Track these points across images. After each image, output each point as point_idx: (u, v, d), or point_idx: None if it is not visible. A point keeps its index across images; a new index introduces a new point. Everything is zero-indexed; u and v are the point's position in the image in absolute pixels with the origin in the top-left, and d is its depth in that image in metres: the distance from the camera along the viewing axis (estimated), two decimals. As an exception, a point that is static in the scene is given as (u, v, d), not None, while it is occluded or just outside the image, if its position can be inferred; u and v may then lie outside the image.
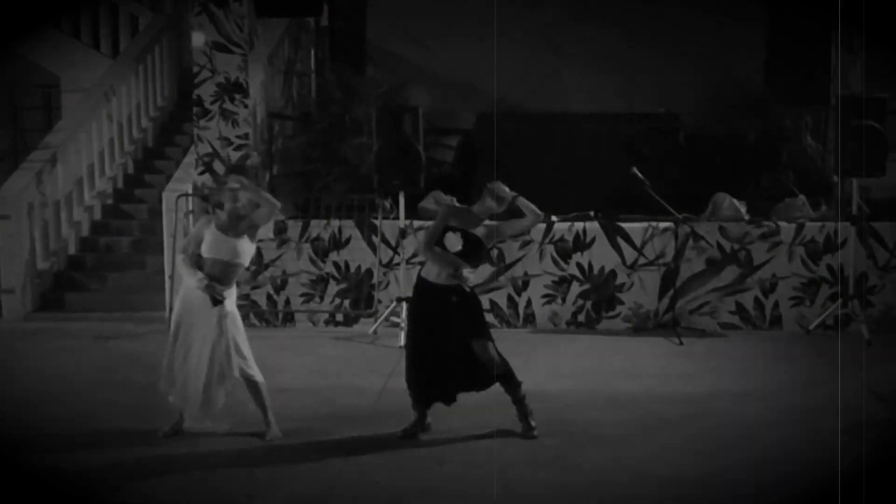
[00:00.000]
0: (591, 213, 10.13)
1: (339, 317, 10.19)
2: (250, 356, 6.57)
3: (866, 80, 11.48)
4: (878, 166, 9.47)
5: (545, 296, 10.03)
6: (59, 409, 7.20)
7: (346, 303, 10.17)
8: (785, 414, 7.10)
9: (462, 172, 11.16)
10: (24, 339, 9.62)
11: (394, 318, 9.63)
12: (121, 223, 12.05)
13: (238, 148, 10.25)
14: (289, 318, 10.22)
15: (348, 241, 10.11)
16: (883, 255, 9.82)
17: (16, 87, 14.72)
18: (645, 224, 9.96)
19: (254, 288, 10.12)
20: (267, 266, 10.12)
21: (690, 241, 9.87)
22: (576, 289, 10.01)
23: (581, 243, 9.97)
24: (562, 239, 9.98)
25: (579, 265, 9.99)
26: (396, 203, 10.02)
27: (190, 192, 10.32)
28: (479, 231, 6.53)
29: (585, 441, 6.50)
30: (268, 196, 6.75)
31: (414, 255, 9.90)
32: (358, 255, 10.11)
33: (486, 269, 9.72)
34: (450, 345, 6.47)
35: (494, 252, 9.79)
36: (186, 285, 6.51)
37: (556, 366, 8.48)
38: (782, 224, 9.96)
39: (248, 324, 9.51)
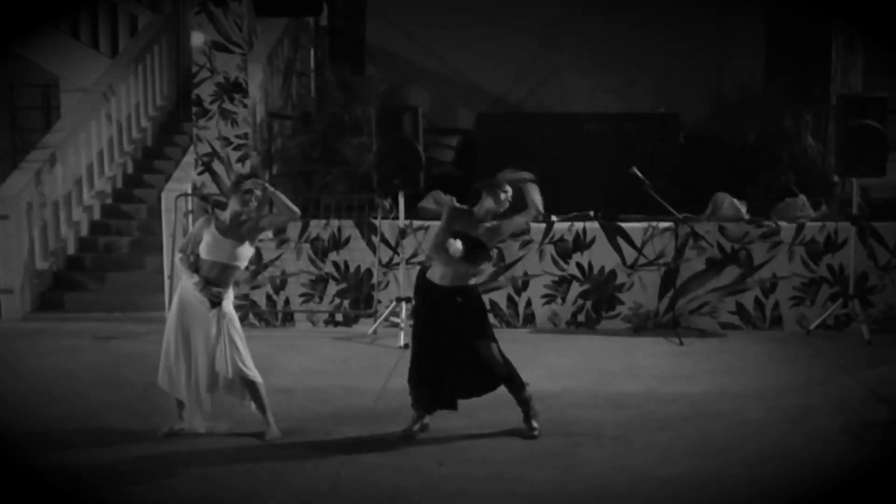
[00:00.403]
0: (591, 213, 10.13)
1: (339, 317, 10.17)
2: (248, 357, 6.55)
3: (866, 80, 11.50)
4: (878, 166, 9.48)
5: (545, 296, 10.02)
6: (58, 409, 7.19)
7: (346, 303, 10.15)
8: (785, 414, 7.09)
9: (462, 172, 11.15)
10: (24, 339, 9.59)
11: (393, 319, 9.62)
12: (120, 223, 12.05)
13: (237, 148, 10.24)
14: (288, 318, 10.21)
15: (348, 240, 10.10)
16: (883, 255, 9.81)
17: (15, 86, 14.71)
18: (645, 224, 9.95)
19: (253, 288, 10.10)
20: (266, 266, 10.11)
21: (690, 241, 9.86)
22: (576, 289, 10.00)
23: (581, 243, 9.96)
24: (562, 239, 9.97)
25: (579, 265, 9.98)
26: (396, 203, 10.01)
27: (189, 191, 10.31)
28: (480, 232, 6.53)
29: (585, 441, 6.49)
30: (290, 203, 6.66)
31: (413, 255, 9.90)
32: (357, 255, 10.10)
33: (486, 269, 9.70)
34: (455, 346, 6.47)
35: (494, 252, 9.78)
36: (184, 285, 6.50)
37: (556, 366, 8.47)
38: (782, 224, 9.96)
39: (247, 324, 9.57)
